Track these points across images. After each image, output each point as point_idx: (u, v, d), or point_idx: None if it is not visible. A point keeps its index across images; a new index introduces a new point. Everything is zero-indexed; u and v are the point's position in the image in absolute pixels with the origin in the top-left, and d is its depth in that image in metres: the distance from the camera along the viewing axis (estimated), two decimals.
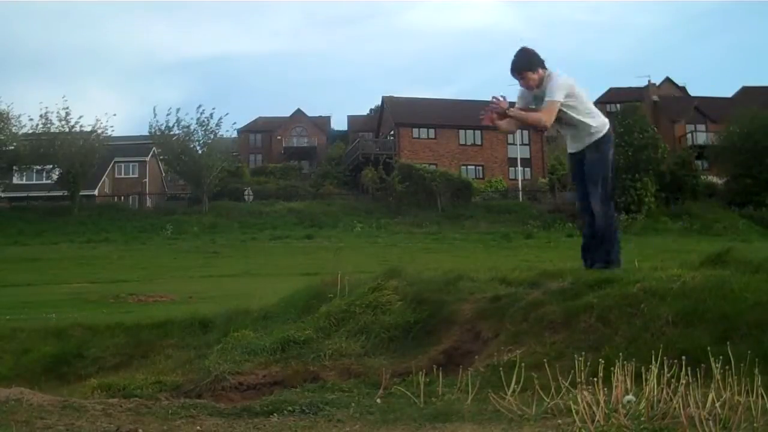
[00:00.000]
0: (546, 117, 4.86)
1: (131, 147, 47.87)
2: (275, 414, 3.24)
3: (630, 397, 2.85)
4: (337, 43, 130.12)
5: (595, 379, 2.95)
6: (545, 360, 3.55)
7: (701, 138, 47.30)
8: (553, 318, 4.95)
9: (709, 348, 3.16)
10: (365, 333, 5.62)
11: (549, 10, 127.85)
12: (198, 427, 2.87)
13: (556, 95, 4.81)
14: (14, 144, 40.62)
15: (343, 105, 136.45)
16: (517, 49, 5.01)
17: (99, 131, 41.12)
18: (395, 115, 46.38)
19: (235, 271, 20.11)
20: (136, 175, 49.13)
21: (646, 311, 4.50)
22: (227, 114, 62.87)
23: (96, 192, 44.81)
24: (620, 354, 3.18)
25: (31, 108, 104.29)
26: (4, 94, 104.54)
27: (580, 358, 3.19)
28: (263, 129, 61.60)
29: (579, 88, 5.05)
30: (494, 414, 3.15)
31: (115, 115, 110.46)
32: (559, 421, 2.89)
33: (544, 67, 4.96)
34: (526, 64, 4.93)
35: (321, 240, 31.46)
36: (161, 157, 47.30)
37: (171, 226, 35.81)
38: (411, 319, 5.76)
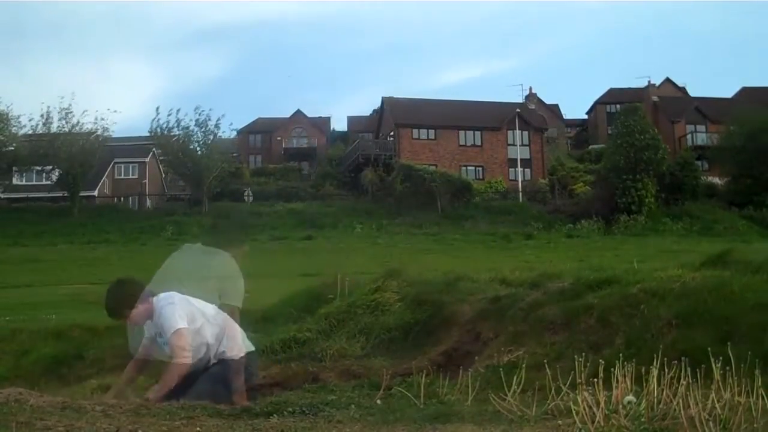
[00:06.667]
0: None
1: (131, 148, 47.84)
2: (275, 415, 3.23)
3: (630, 397, 2.85)
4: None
5: (595, 379, 2.94)
6: (545, 361, 3.54)
7: (701, 138, 47.26)
8: (553, 319, 4.95)
9: (709, 349, 3.15)
10: (365, 334, 5.62)
11: (548, 9, 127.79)
12: (198, 428, 2.86)
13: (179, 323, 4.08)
14: (14, 145, 40.59)
15: (343, 105, 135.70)
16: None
17: (99, 131, 41.12)
18: (395, 116, 46.35)
19: None
20: (136, 176, 49.04)
21: (646, 312, 4.50)
22: (224, 115, 62.69)
23: (96, 193, 44.75)
24: (620, 355, 3.18)
25: (50, 81, 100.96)
26: (21, 65, 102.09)
27: (580, 359, 3.19)
28: (263, 130, 61.52)
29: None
30: (494, 415, 3.15)
31: (116, 111, 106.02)
32: (559, 421, 2.88)
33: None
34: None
35: (321, 241, 31.43)
36: (161, 158, 47.30)
37: (171, 227, 35.77)
38: (411, 320, 5.76)
